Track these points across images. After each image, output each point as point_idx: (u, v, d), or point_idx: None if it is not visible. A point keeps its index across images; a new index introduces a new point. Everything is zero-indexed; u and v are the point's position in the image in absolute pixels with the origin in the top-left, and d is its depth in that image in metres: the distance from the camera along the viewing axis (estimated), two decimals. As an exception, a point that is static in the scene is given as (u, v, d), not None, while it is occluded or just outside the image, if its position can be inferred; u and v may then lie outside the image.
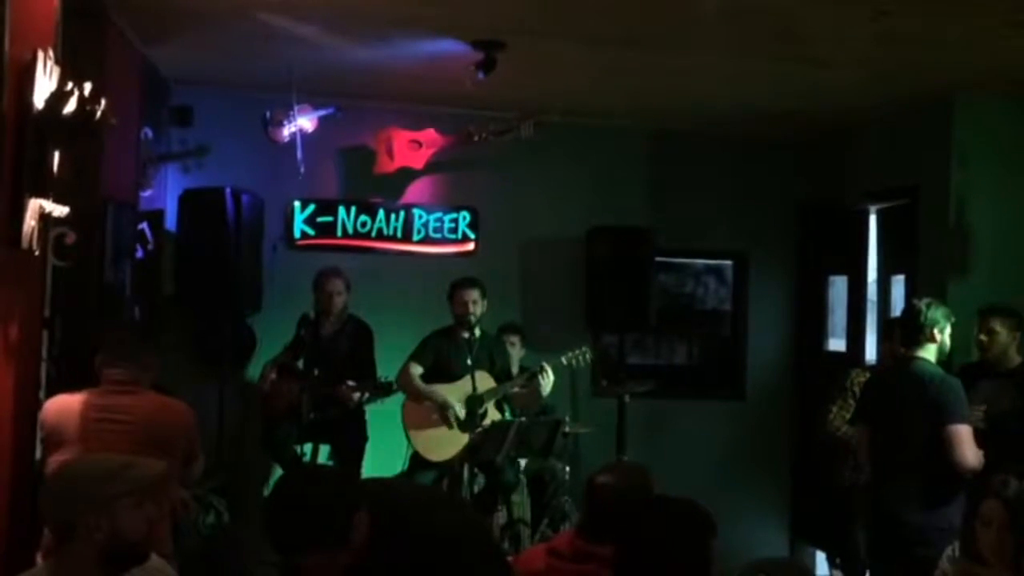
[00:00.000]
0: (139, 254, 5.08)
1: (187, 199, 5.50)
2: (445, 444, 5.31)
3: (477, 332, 5.33)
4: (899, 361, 4.26)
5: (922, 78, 5.06)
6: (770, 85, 5.38)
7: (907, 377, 4.07)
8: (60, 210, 3.34)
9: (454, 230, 6.44)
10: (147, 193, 5.40)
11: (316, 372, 5.32)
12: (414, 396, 5.33)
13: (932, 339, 4.06)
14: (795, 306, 6.84)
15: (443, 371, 5.37)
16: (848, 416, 4.77)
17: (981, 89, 5.19)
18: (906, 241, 5.73)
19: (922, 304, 4.11)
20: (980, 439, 3.92)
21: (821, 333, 6.63)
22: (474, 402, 5.20)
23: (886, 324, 5.13)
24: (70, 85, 3.34)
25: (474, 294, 5.34)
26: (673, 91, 5.65)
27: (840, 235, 6.37)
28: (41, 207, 3.24)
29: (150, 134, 5.37)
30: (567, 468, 5.75)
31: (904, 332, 4.19)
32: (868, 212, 6.18)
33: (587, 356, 5.45)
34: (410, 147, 6.15)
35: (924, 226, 5.54)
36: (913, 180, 5.64)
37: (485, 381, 5.21)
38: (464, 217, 6.45)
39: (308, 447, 5.42)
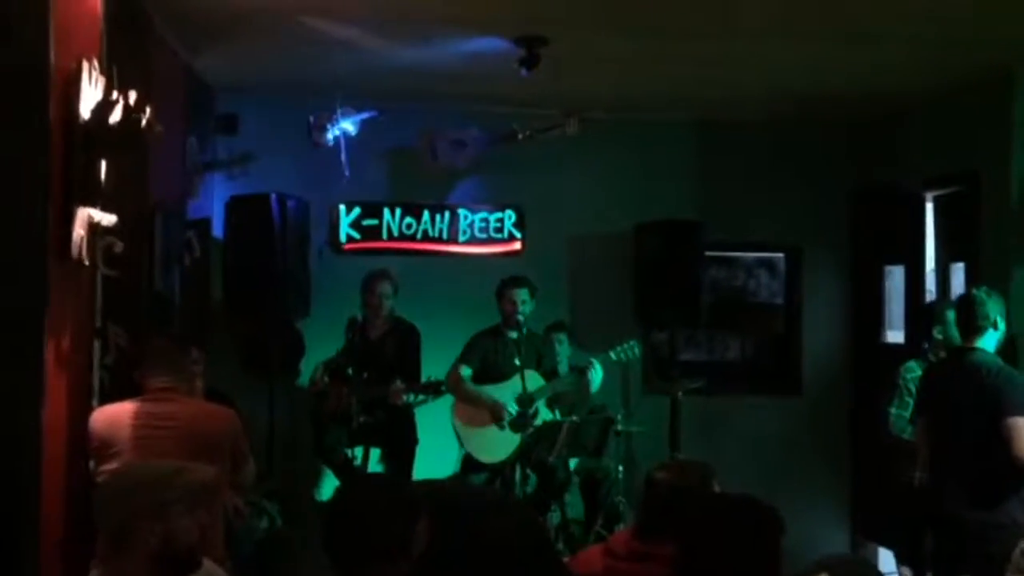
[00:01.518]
0: (186, 262, 5.12)
1: (234, 206, 5.52)
2: (496, 445, 5.27)
3: (524, 331, 5.29)
4: (956, 352, 4.15)
5: (979, 54, 4.89)
6: (820, 69, 5.25)
7: (966, 368, 3.98)
8: (108, 219, 3.36)
9: (500, 229, 6.40)
10: (194, 201, 5.44)
11: (364, 375, 5.32)
12: (463, 398, 5.30)
13: (994, 328, 3.96)
14: (851, 297, 6.68)
15: (491, 372, 5.34)
16: (908, 415, 4.64)
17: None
18: (966, 227, 5.56)
19: (980, 293, 4.01)
20: None
21: (879, 325, 6.47)
22: (524, 401, 5.16)
23: (931, 313, 4.96)
24: (115, 94, 3.35)
25: (523, 294, 5.31)
26: (720, 80, 5.55)
27: (896, 223, 6.19)
28: (90, 216, 3.26)
29: (195, 143, 5.41)
30: (620, 467, 5.67)
31: (962, 322, 4.08)
32: (924, 198, 6.01)
33: (635, 350, 5.39)
34: (453, 147, 6.12)
35: (985, 211, 5.37)
36: (972, 162, 5.46)
37: (534, 380, 5.16)
38: (510, 216, 6.40)
39: (359, 450, 5.43)
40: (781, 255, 6.80)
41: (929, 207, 6.03)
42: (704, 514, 2.13)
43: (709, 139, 6.56)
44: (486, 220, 6.39)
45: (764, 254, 6.82)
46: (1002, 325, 4.01)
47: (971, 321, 4.01)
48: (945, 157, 5.77)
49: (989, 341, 3.99)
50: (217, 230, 5.78)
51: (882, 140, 6.44)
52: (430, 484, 2.85)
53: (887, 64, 5.11)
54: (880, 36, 4.62)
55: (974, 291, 4.10)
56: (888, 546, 5.95)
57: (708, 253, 6.21)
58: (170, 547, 2.27)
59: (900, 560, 5.10)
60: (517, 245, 6.40)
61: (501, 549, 2.06)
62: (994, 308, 3.98)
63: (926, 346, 4.89)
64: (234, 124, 5.86)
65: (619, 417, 5.70)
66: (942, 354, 4.60)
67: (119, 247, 3.50)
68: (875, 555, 6.25)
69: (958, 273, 5.76)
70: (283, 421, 5.59)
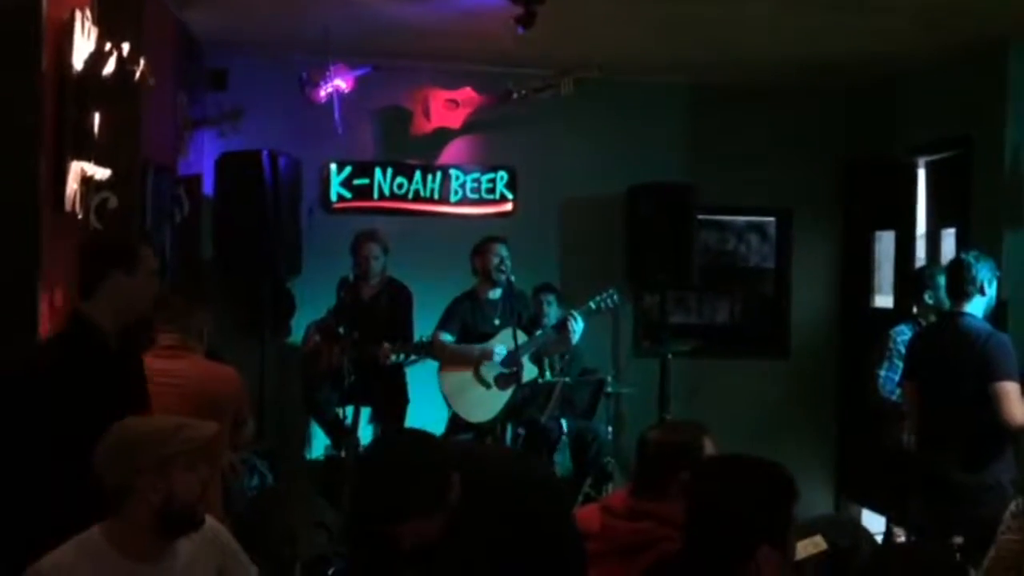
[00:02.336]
0: (176, 219, 5.08)
1: (224, 163, 5.46)
2: (484, 405, 5.28)
3: (499, 291, 5.28)
4: (945, 316, 4.19)
5: (976, 23, 4.88)
6: (818, 34, 5.21)
7: (955, 332, 4.01)
8: (102, 173, 3.32)
9: (492, 190, 6.36)
10: (183, 158, 5.38)
11: (356, 335, 5.31)
12: (450, 360, 5.29)
13: (980, 293, 3.99)
14: (841, 262, 6.71)
15: (472, 334, 5.33)
16: (897, 377, 4.68)
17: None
18: (957, 193, 5.58)
19: (970, 257, 4.04)
20: None
21: (868, 289, 6.51)
22: (512, 359, 5.16)
23: (921, 277, 4.99)
24: (108, 46, 3.30)
25: (504, 250, 5.30)
26: (717, 43, 5.51)
27: (888, 189, 6.21)
28: (83, 170, 3.22)
29: (185, 98, 5.33)
30: (610, 428, 5.71)
31: (951, 286, 4.11)
32: (916, 164, 6.02)
33: (614, 298, 5.38)
34: (447, 107, 6.07)
35: (977, 177, 5.39)
36: (965, 130, 5.48)
37: (518, 336, 5.14)
38: (502, 177, 6.37)
39: (349, 409, 5.44)
40: (772, 219, 6.81)
41: (921, 173, 6.04)
42: (717, 476, 2.13)
43: (703, 102, 6.53)
44: (478, 181, 6.35)
45: (755, 218, 6.83)
46: (991, 290, 4.05)
47: (960, 285, 4.04)
48: (939, 123, 5.77)
49: (978, 306, 4.02)
50: (207, 187, 5.73)
51: (877, 105, 6.43)
52: (455, 441, 2.87)
53: (886, 30, 5.09)
54: (881, 2, 4.59)
55: (963, 255, 4.13)
56: (872, 507, 6.04)
57: (700, 216, 6.20)
58: (171, 504, 2.26)
59: (893, 522, 5.17)
60: (509, 206, 6.38)
61: (527, 502, 2.09)
62: (983, 273, 4.01)
63: (915, 310, 4.92)
64: (224, 79, 5.78)
65: (609, 379, 5.72)
66: (932, 318, 4.64)
67: (114, 202, 3.47)
68: (859, 516, 6.34)
69: (948, 239, 5.78)
70: (273, 379, 5.58)
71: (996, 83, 5.18)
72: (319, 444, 5.81)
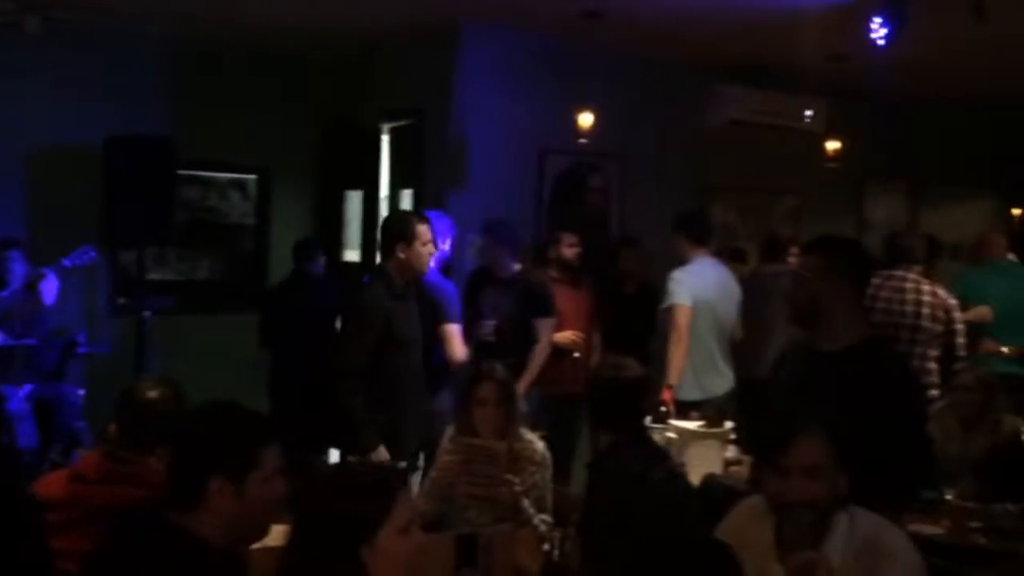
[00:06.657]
0: None
1: None
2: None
3: None
4: None
5: (435, 4, 5.43)
6: (310, 3, 5.42)
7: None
8: None
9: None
10: None
11: None
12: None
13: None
14: (315, 219, 7.12)
15: None
16: None
17: (488, 17, 5.66)
18: (414, 159, 6.26)
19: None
20: None
21: (339, 245, 7.01)
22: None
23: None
24: None
25: None
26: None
27: (357, 152, 6.74)
28: None
29: None
30: (82, 391, 5.49)
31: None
32: (381, 131, 6.61)
33: (90, 255, 5.21)
34: None
35: (429, 145, 6.08)
36: (422, 101, 6.14)
37: None
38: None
39: None
40: (253, 177, 6.99)
41: (385, 139, 6.66)
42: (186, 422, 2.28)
43: (190, 58, 6.46)
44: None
45: (237, 175, 6.94)
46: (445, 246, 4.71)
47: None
48: (402, 93, 6.40)
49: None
50: None
51: (354, 74, 6.90)
52: None
53: (364, 4, 5.45)
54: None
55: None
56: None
57: (182, 172, 6.14)
58: None
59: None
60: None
61: None
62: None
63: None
64: None
65: (82, 339, 5.49)
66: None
67: None
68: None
69: (407, 199, 6.48)
70: None
71: (448, 61, 5.87)
72: None
